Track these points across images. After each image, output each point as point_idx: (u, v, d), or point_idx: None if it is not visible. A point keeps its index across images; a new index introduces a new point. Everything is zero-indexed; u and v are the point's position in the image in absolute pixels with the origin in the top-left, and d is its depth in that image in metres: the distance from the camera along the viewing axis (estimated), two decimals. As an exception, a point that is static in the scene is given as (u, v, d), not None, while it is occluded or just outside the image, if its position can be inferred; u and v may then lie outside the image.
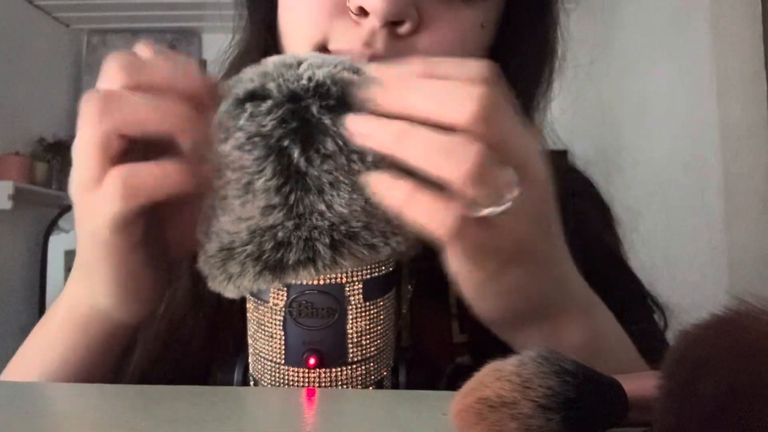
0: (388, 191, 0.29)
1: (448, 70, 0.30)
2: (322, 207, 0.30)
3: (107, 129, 0.31)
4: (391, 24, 0.39)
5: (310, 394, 0.32)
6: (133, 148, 0.32)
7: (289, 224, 0.30)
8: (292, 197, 0.30)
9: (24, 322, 2.07)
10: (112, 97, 0.31)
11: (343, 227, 0.30)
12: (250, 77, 0.32)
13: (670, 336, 0.52)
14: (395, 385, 0.36)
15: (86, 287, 0.37)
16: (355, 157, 0.30)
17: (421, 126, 0.28)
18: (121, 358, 0.42)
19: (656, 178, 1.65)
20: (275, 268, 0.30)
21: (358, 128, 0.29)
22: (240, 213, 0.31)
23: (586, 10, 2.09)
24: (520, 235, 0.31)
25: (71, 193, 0.33)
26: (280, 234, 0.30)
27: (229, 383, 0.37)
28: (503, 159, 0.29)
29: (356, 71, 0.31)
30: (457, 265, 0.32)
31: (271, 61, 0.32)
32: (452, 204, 0.28)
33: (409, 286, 0.47)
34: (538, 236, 0.33)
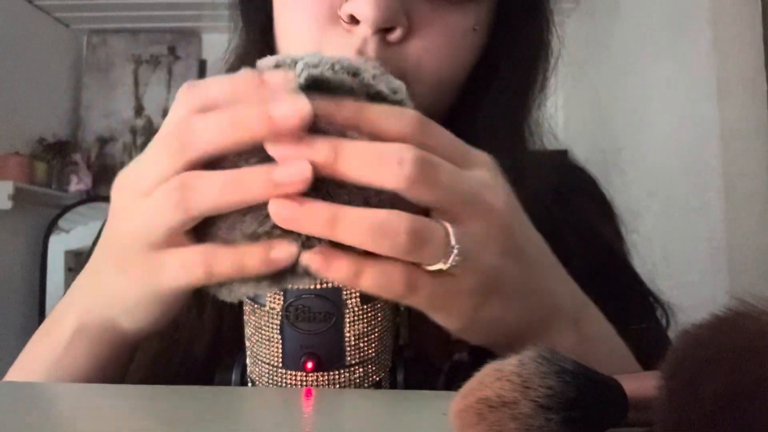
0: (330, 270, 0.29)
1: (376, 123, 0.29)
2: None
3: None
4: (383, 31, 0.39)
5: (309, 394, 0.32)
6: None
7: (284, 230, 0.29)
8: None
9: (24, 322, 2.07)
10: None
11: None
12: None
13: (672, 334, 0.52)
14: (393, 384, 0.36)
15: (100, 300, 0.36)
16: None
17: (350, 210, 0.28)
18: (124, 370, 0.41)
19: (656, 178, 1.65)
20: (271, 274, 0.30)
21: (282, 214, 0.28)
22: (235, 219, 0.30)
23: (586, 10, 2.10)
24: (485, 272, 0.31)
25: (116, 232, 0.32)
26: (272, 240, 0.29)
27: (227, 384, 0.37)
28: (448, 208, 0.30)
29: (353, 72, 0.31)
30: (431, 314, 0.32)
31: (264, 64, 0.32)
32: (397, 267, 0.29)
33: None
34: (509, 266, 0.32)
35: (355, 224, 0.28)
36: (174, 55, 2.51)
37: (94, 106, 2.45)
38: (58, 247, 2.20)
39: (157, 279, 0.31)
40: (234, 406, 0.30)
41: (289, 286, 0.30)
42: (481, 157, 0.33)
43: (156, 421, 0.27)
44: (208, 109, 0.30)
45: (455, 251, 0.29)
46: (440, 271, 0.29)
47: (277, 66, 0.31)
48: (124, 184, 0.32)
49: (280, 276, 0.30)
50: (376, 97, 0.31)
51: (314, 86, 0.29)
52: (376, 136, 0.29)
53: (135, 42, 2.52)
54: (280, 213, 0.28)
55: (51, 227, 2.21)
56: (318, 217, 0.28)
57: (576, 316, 0.37)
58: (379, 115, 0.30)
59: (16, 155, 2.08)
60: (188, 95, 0.31)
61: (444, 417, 0.24)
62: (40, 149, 2.21)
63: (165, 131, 0.30)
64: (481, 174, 0.32)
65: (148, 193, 0.30)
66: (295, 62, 0.31)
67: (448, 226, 0.29)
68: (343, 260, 0.28)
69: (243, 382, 0.36)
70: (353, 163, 0.28)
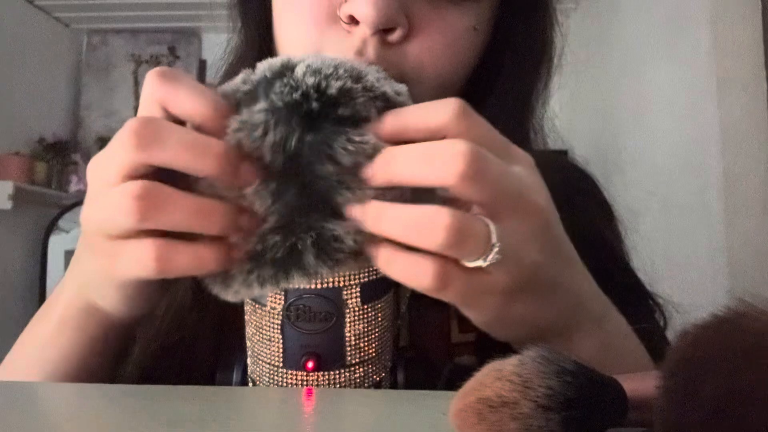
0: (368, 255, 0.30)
1: (419, 120, 0.30)
2: (319, 214, 0.29)
3: (140, 160, 0.30)
4: (382, 32, 0.39)
5: (310, 393, 0.32)
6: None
7: (285, 230, 0.29)
8: (287, 204, 0.29)
9: (24, 322, 2.06)
10: (151, 132, 0.30)
11: (341, 236, 0.30)
12: (235, 88, 0.31)
13: (671, 335, 0.52)
14: (393, 385, 0.36)
15: (80, 282, 0.37)
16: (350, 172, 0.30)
17: (392, 204, 0.29)
18: (119, 355, 0.41)
19: (656, 178, 1.65)
20: (271, 274, 0.30)
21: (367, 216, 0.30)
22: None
23: (586, 10, 2.10)
24: (522, 270, 0.31)
25: (84, 222, 0.32)
26: (275, 240, 0.30)
27: (228, 384, 0.37)
28: (492, 205, 0.30)
29: (357, 78, 0.31)
30: (462, 308, 0.32)
31: (261, 69, 0.31)
32: (430, 260, 0.29)
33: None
34: (544, 265, 0.32)
35: (398, 218, 0.29)
36: (174, 55, 2.51)
37: (94, 106, 2.45)
38: (58, 247, 2.19)
39: (113, 267, 0.32)
40: (234, 406, 0.30)
41: (290, 285, 0.30)
42: (522, 153, 0.33)
43: (156, 421, 0.27)
44: (171, 108, 0.31)
45: (496, 248, 0.29)
46: (477, 268, 0.29)
47: (282, 68, 0.31)
48: (96, 170, 0.32)
49: (281, 275, 0.30)
50: (380, 98, 0.31)
51: (317, 89, 0.29)
52: (423, 135, 0.30)
53: (135, 42, 2.52)
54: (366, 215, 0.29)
55: (51, 227, 2.21)
56: (368, 213, 0.29)
57: (600, 315, 0.37)
58: (419, 112, 0.30)
59: (16, 155, 2.08)
60: (156, 87, 0.31)
61: (444, 417, 0.24)
62: (40, 149, 2.21)
63: (130, 124, 0.30)
64: (524, 171, 0.32)
65: (112, 184, 0.30)
66: (294, 66, 0.30)
67: (490, 223, 0.29)
68: (380, 247, 0.30)
69: (244, 381, 0.36)
70: (405, 165, 0.29)
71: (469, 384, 0.23)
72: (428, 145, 0.29)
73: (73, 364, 0.38)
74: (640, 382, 0.24)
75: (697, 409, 0.20)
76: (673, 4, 1.57)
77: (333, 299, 0.32)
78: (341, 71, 0.30)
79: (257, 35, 0.48)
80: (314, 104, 0.29)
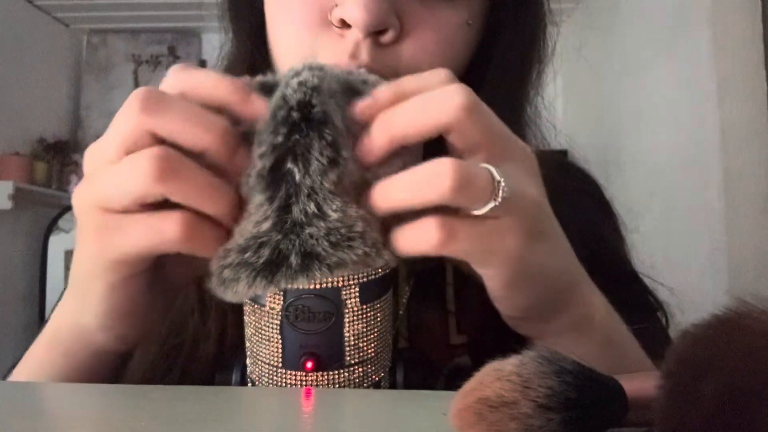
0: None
1: (415, 84, 0.32)
2: (317, 215, 0.30)
3: (143, 127, 0.30)
4: (375, 34, 0.39)
5: (309, 394, 0.32)
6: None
7: (283, 231, 0.30)
8: (286, 205, 0.30)
9: (24, 322, 2.07)
10: (156, 100, 0.30)
11: (337, 235, 0.30)
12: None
13: (672, 334, 0.52)
14: (392, 384, 0.36)
15: (75, 308, 0.36)
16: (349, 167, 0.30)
17: (393, 176, 0.30)
18: (111, 381, 0.41)
19: (656, 178, 1.65)
20: (268, 274, 0.30)
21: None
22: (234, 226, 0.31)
23: (586, 10, 2.10)
24: (528, 210, 0.32)
25: (77, 203, 0.32)
26: (274, 241, 0.30)
27: (228, 384, 0.37)
28: (488, 147, 0.32)
29: (363, 81, 0.32)
30: (479, 265, 0.32)
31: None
32: (431, 217, 0.30)
33: (407, 287, 0.47)
34: (544, 205, 0.34)
35: (404, 182, 0.30)
36: (174, 55, 2.51)
37: (94, 106, 2.45)
38: (58, 247, 2.19)
39: (109, 241, 0.31)
40: (234, 406, 0.30)
41: (288, 286, 0.30)
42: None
43: (156, 421, 0.27)
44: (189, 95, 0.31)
45: (502, 185, 0.30)
46: (486, 215, 0.30)
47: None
48: (93, 154, 0.32)
49: (275, 274, 0.30)
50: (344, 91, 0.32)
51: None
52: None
53: (135, 42, 2.52)
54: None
55: (51, 227, 2.21)
56: (375, 195, 0.31)
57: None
58: (413, 80, 0.32)
59: (16, 155, 2.08)
60: (178, 76, 0.32)
61: (444, 417, 0.24)
62: (40, 149, 2.21)
63: (135, 94, 0.31)
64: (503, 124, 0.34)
65: (113, 161, 0.30)
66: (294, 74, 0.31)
67: (490, 166, 0.30)
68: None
69: (243, 382, 0.36)
70: (404, 117, 0.31)
71: (469, 384, 0.23)
72: (422, 96, 0.31)
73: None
74: (640, 382, 0.24)
75: (697, 409, 0.20)
76: (673, 4, 1.57)
77: (332, 299, 0.32)
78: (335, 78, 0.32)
79: (249, 41, 0.48)
80: (308, 109, 0.30)
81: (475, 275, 0.34)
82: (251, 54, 0.48)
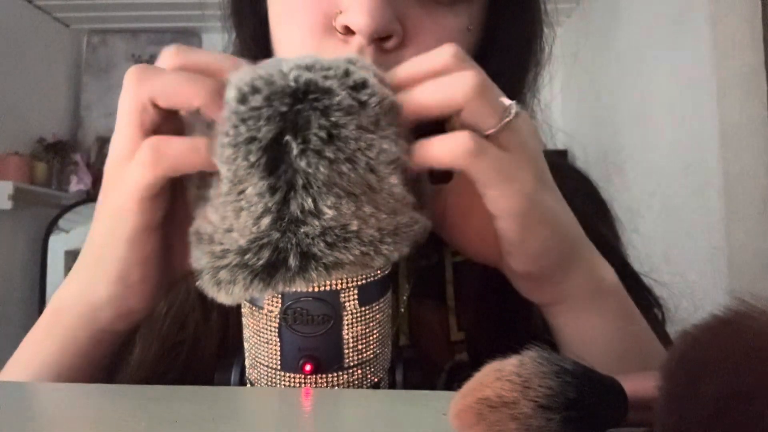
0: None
1: (427, 64, 0.34)
2: (312, 212, 0.29)
3: (143, 97, 0.32)
4: (378, 40, 0.39)
5: (308, 394, 0.32)
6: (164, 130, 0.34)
7: (279, 234, 0.29)
8: (286, 199, 0.29)
9: (24, 322, 2.07)
10: (149, 69, 0.33)
11: (333, 234, 0.30)
12: (240, 78, 0.31)
13: (669, 331, 0.52)
14: (392, 385, 0.36)
15: (82, 285, 0.37)
16: (346, 165, 0.30)
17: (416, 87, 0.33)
18: (111, 366, 0.41)
19: (656, 178, 1.65)
20: (266, 277, 0.30)
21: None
22: (232, 222, 0.30)
23: (586, 9, 2.10)
24: (534, 154, 0.34)
25: (105, 169, 0.35)
26: (270, 244, 0.29)
27: (226, 383, 0.37)
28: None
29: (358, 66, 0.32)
30: (496, 186, 0.34)
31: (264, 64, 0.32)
32: (463, 132, 0.32)
33: (407, 285, 0.47)
34: (545, 164, 0.36)
35: (429, 87, 0.33)
36: (174, 55, 2.51)
37: (94, 106, 2.45)
38: (58, 247, 2.19)
39: (123, 190, 0.33)
40: (234, 406, 0.30)
41: (285, 289, 0.30)
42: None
43: (156, 421, 0.27)
44: (162, 102, 0.33)
45: (513, 108, 0.33)
46: (498, 141, 0.33)
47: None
48: (110, 153, 0.35)
49: (273, 277, 0.30)
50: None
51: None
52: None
53: (135, 42, 2.52)
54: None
55: (51, 227, 2.21)
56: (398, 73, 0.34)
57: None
58: (424, 59, 0.34)
59: (16, 155, 2.08)
60: (172, 54, 0.34)
61: (444, 417, 0.24)
62: (40, 149, 2.21)
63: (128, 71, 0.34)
64: None
65: (129, 156, 0.33)
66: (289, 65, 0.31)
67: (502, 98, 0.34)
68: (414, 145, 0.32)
69: (242, 382, 0.36)
70: (424, 96, 0.33)
71: (469, 384, 0.23)
72: (437, 81, 0.33)
73: (63, 372, 0.38)
74: (640, 382, 0.24)
75: (697, 410, 0.20)
76: (673, 3, 1.57)
77: (330, 302, 0.32)
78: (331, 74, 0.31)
79: (252, 46, 0.49)
80: (307, 99, 0.30)
81: (476, 262, 0.36)
82: (254, 58, 0.48)
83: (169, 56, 0.34)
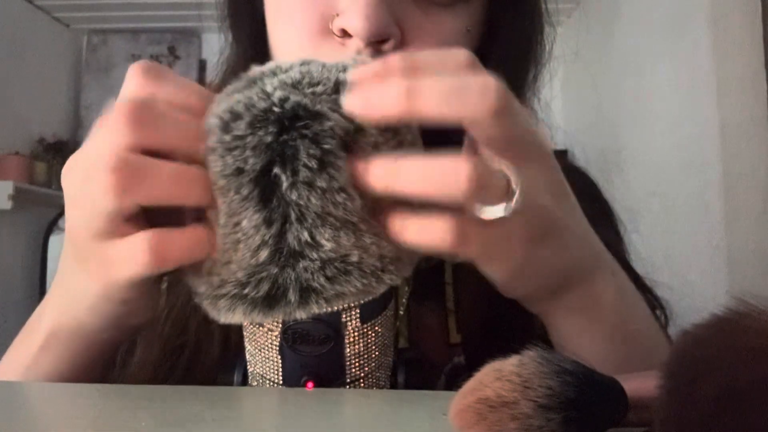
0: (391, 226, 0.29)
1: (431, 60, 0.29)
2: (310, 244, 0.28)
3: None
4: (376, 43, 0.38)
5: (309, 390, 0.32)
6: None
7: (278, 269, 0.28)
8: (282, 232, 0.28)
9: (24, 322, 2.06)
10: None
11: (333, 267, 0.28)
12: (219, 106, 0.29)
13: (671, 332, 0.52)
14: (393, 386, 0.36)
15: (67, 300, 0.36)
16: (341, 195, 0.28)
17: (410, 159, 0.28)
18: (106, 369, 0.41)
19: (656, 178, 1.65)
20: (266, 309, 0.29)
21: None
22: (231, 254, 0.29)
23: (586, 9, 2.09)
24: (540, 213, 0.31)
25: (74, 226, 0.31)
26: (269, 278, 0.29)
27: (229, 385, 0.37)
28: (510, 148, 0.30)
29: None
30: (482, 264, 0.32)
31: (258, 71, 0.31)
32: (447, 217, 0.28)
33: (407, 287, 0.47)
34: (559, 207, 0.33)
35: (415, 170, 0.28)
36: (174, 55, 2.51)
37: (94, 106, 2.45)
38: (58, 247, 2.19)
39: (109, 273, 0.30)
40: (234, 406, 0.30)
41: (286, 319, 0.30)
42: (526, 105, 0.33)
43: (156, 421, 0.27)
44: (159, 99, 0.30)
45: (517, 193, 0.28)
46: (496, 220, 0.29)
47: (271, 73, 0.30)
48: (72, 169, 0.31)
49: (273, 308, 0.29)
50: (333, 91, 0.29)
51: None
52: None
53: (135, 42, 2.52)
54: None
55: (51, 227, 2.21)
56: (378, 171, 0.28)
57: (613, 266, 0.38)
58: (429, 57, 0.29)
59: (16, 155, 2.08)
60: (145, 79, 0.31)
61: (444, 417, 0.24)
62: (40, 149, 2.21)
63: (119, 107, 0.30)
64: (531, 121, 0.32)
65: (92, 177, 0.29)
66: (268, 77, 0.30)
67: (509, 166, 0.29)
68: (390, 216, 0.29)
69: (245, 383, 0.36)
70: (433, 99, 0.27)
71: (469, 384, 0.23)
72: (458, 79, 0.28)
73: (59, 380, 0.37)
74: (640, 382, 0.24)
75: (697, 410, 0.20)
76: (673, 4, 1.57)
77: (331, 323, 0.31)
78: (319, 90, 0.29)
79: (249, 47, 0.48)
80: (293, 124, 0.28)
81: (475, 268, 0.34)
82: (251, 60, 0.48)
83: (137, 80, 0.31)
